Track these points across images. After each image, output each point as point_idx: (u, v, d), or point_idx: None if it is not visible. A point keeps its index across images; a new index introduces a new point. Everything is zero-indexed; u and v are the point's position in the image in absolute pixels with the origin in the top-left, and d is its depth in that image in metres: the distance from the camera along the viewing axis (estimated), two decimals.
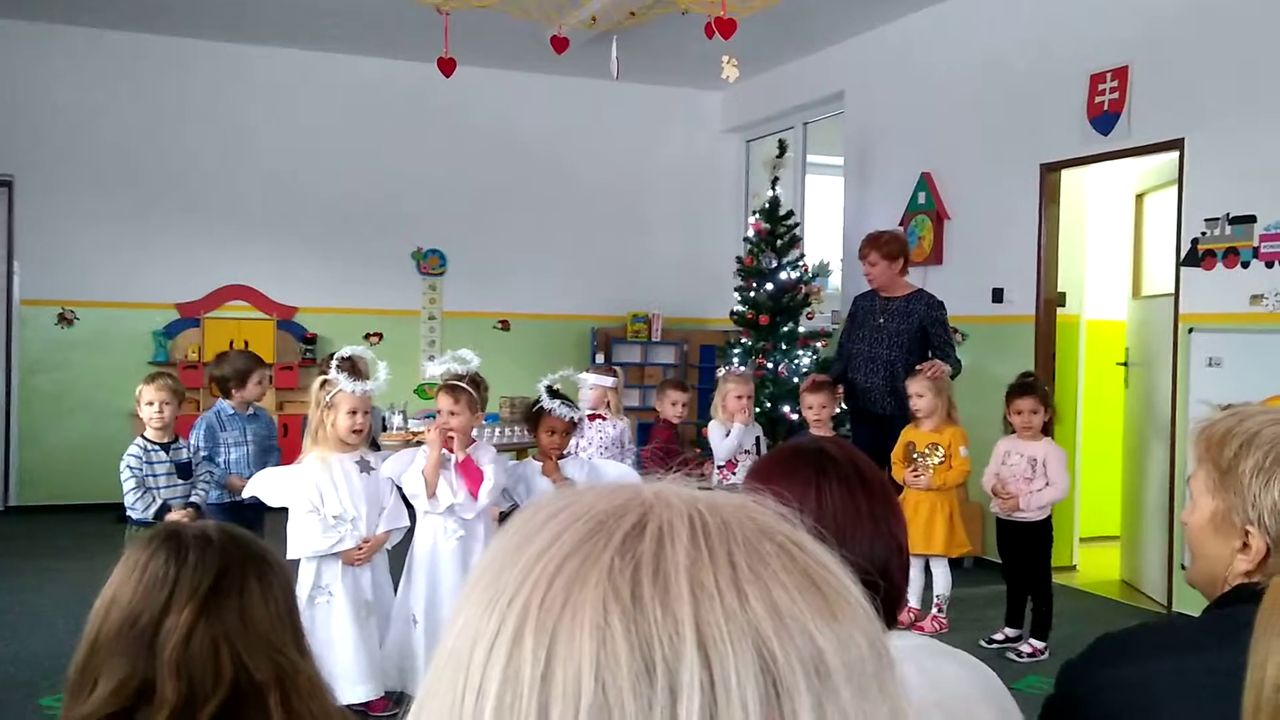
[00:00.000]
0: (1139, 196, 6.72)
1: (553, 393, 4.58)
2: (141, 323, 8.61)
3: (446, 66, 6.17)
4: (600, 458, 5.60)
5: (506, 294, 9.59)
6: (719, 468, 5.85)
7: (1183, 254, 5.72)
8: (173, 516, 4.39)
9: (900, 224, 7.54)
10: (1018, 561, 5.32)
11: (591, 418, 5.90)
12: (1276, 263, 5.26)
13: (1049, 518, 5.27)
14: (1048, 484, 5.17)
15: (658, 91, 9.92)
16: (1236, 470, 1.45)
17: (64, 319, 8.50)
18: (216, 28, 8.39)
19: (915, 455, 5.48)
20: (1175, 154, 5.79)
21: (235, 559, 1.50)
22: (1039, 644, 5.18)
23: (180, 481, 4.65)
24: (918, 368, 5.68)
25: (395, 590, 4.42)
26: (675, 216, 10.12)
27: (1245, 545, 1.45)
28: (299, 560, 4.13)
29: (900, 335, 6.04)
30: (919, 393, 5.52)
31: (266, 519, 4.91)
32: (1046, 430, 5.28)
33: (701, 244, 10.04)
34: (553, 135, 9.66)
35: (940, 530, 5.39)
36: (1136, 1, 6.02)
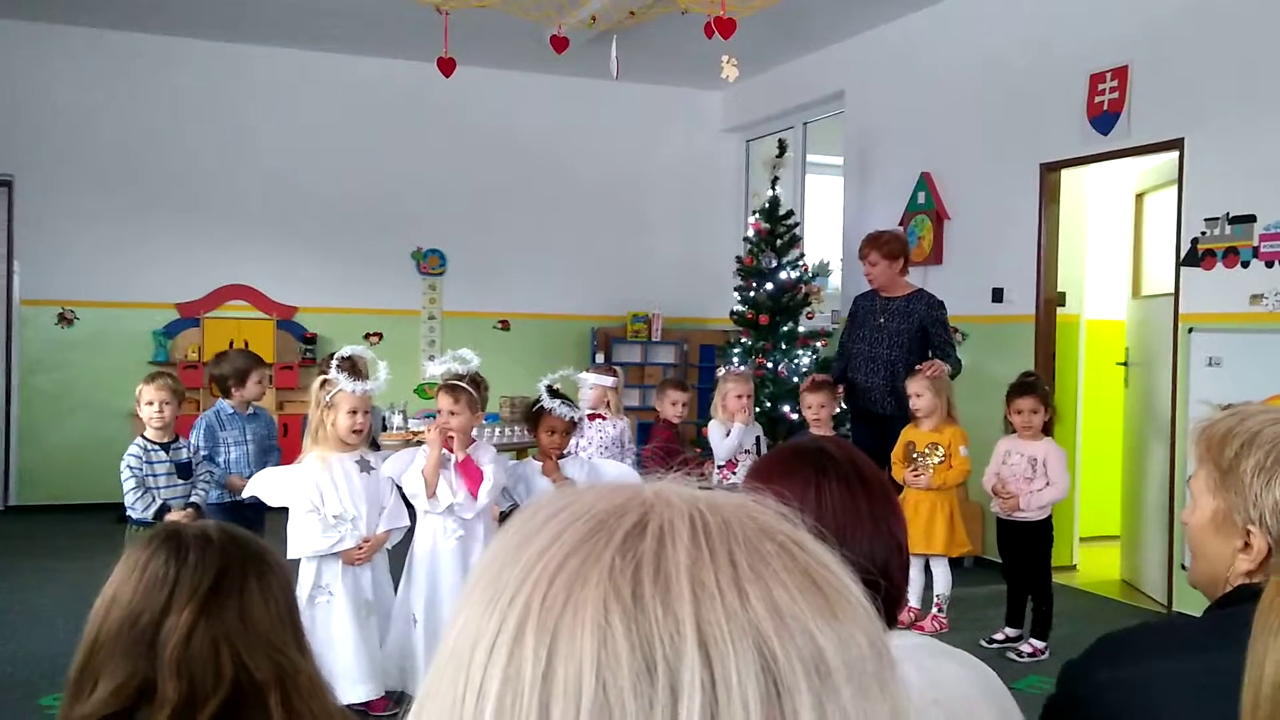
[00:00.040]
0: (1139, 196, 6.72)
1: (553, 392, 4.58)
2: (141, 322, 8.61)
3: (446, 66, 6.17)
4: (600, 457, 5.60)
5: (506, 294, 9.59)
6: (719, 467, 5.85)
7: (1183, 254, 5.72)
8: (172, 517, 4.39)
9: (900, 224, 7.54)
10: (1018, 561, 5.32)
11: (591, 417, 5.90)
12: (1276, 262, 5.26)
13: (1049, 517, 5.27)
14: (1048, 484, 5.17)
15: (657, 91, 9.92)
16: (1238, 470, 1.44)
17: (64, 319, 8.50)
18: (216, 27, 8.39)
19: (915, 455, 5.48)
20: (1175, 154, 5.79)
21: (235, 559, 1.50)
22: (1039, 644, 5.18)
23: (180, 481, 4.65)
24: (917, 367, 5.68)
25: (395, 590, 4.42)
26: (675, 216, 10.12)
27: (1247, 545, 1.45)
28: (299, 560, 4.13)
29: (900, 335, 6.04)
30: (918, 392, 5.52)
31: (267, 519, 4.91)
32: (1047, 430, 5.28)
33: (701, 244, 10.04)
34: (552, 135, 9.66)
35: (940, 530, 5.39)
36: (1136, 1, 6.02)
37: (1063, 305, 6.88)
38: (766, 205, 7.95)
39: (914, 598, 5.48)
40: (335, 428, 4.19)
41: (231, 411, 5.17)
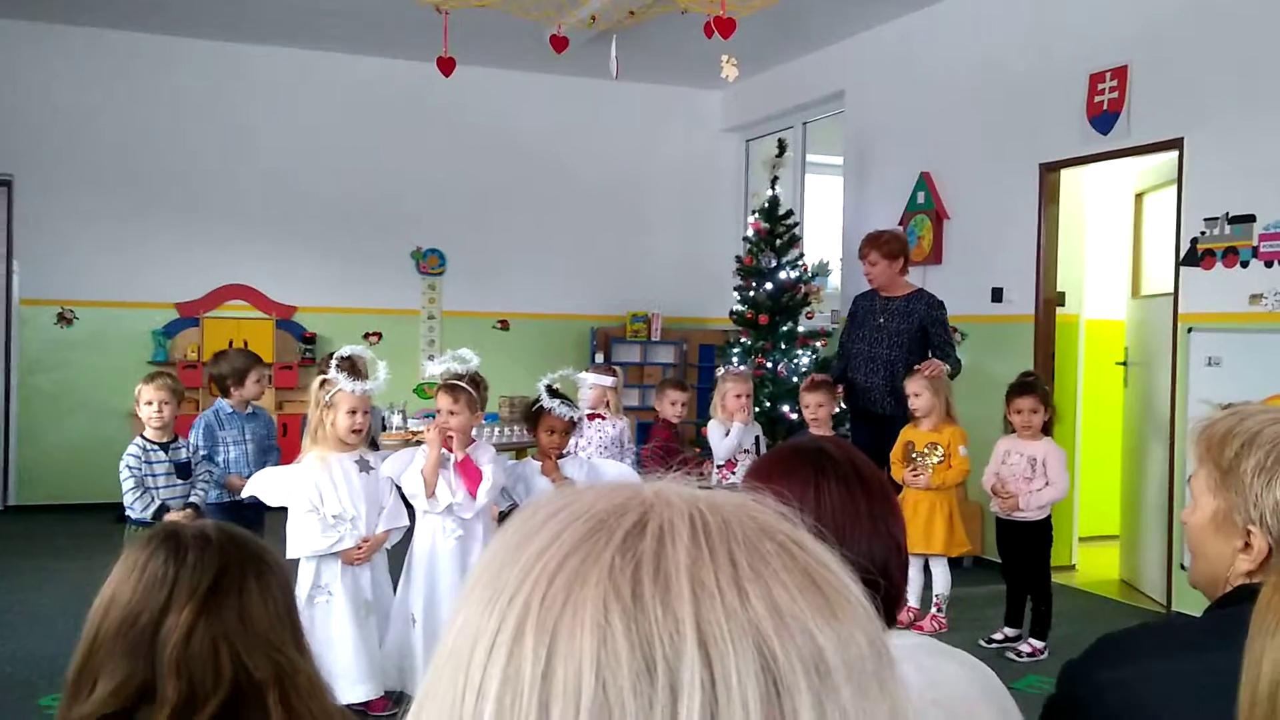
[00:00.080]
0: (1138, 196, 6.72)
1: (552, 392, 4.58)
2: (141, 322, 8.61)
3: (446, 66, 6.17)
4: (599, 457, 5.60)
5: (506, 293, 9.59)
6: (718, 467, 5.85)
7: (1182, 253, 5.72)
8: (171, 517, 4.39)
9: (900, 223, 7.54)
10: (1017, 561, 5.32)
11: (591, 417, 5.90)
12: (1276, 262, 5.26)
13: (1048, 517, 5.27)
14: (1047, 483, 5.17)
15: (657, 91, 9.92)
16: (1238, 470, 1.44)
17: (63, 318, 8.49)
18: (215, 27, 8.39)
19: (914, 455, 5.48)
20: (1174, 153, 5.79)
21: (234, 558, 1.50)
22: (1038, 643, 5.18)
23: (179, 481, 4.65)
24: (916, 367, 5.69)
25: (395, 590, 4.42)
26: (675, 216, 10.12)
27: (1247, 545, 1.45)
28: (298, 560, 4.13)
29: (900, 335, 6.04)
30: (916, 392, 5.52)
31: (266, 518, 4.91)
32: (1046, 430, 5.28)
33: (701, 243, 10.04)
34: (552, 135, 9.66)
35: (939, 530, 5.39)
36: (1136, 1, 6.02)
37: (1062, 305, 6.88)
38: (766, 205, 7.95)
39: (913, 597, 5.48)
40: (334, 427, 4.19)
41: (230, 411, 5.17)
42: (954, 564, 5.66)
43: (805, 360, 7.62)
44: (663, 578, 0.54)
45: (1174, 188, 5.82)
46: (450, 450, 4.30)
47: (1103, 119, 6.15)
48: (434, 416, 4.62)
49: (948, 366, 5.75)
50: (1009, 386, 5.35)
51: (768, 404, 7.43)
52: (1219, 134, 5.53)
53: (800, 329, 7.80)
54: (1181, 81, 5.72)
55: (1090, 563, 7.02)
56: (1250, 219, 5.38)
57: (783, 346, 7.70)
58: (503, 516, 4.50)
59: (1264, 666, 1.02)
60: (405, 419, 6.86)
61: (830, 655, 0.53)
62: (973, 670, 1.48)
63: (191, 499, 4.64)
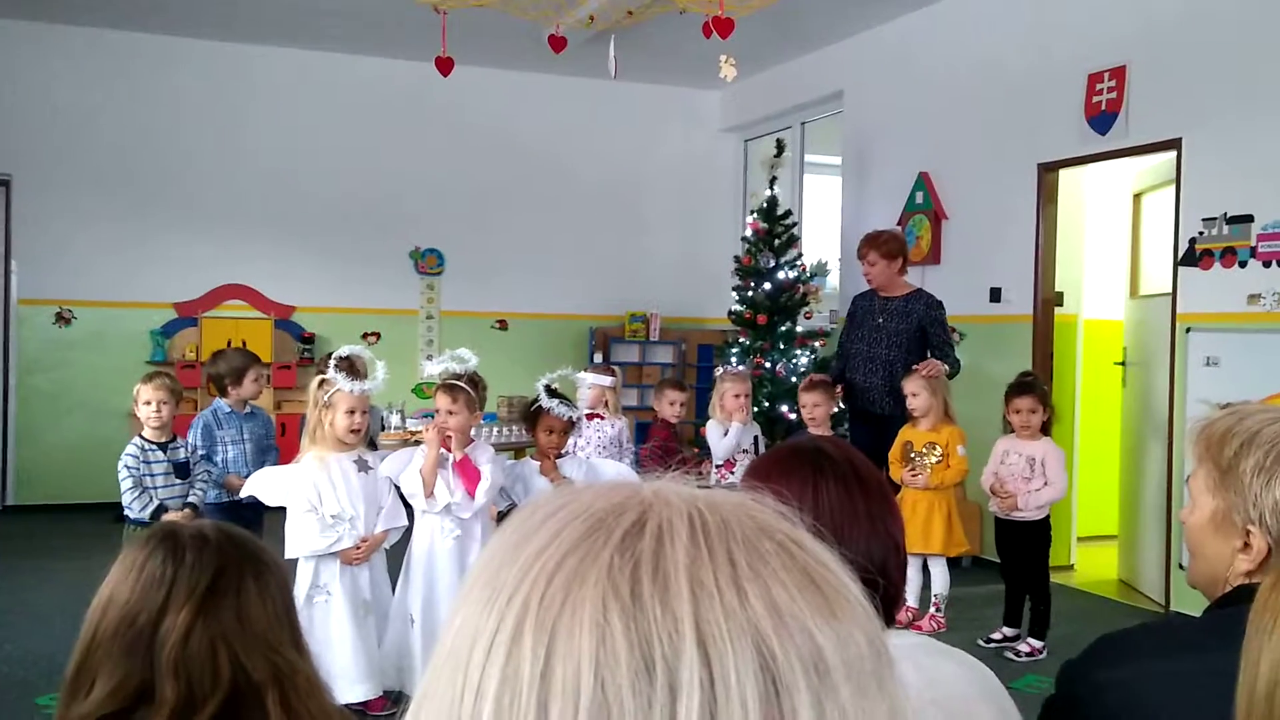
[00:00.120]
0: (1137, 196, 6.72)
1: (551, 392, 4.58)
2: (139, 322, 8.61)
3: (444, 66, 6.17)
4: (598, 457, 5.60)
5: (504, 293, 9.58)
6: (717, 467, 5.85)
7: (1180, 253, 5.73)
8: (170, 517, 4.39)
9: (898, 223, 7.54)
10: (1016, 561, 5.32)
11: (589, 417, 5.90)
12: (1274, 262, 5.27)
13: (1047, 517, 5.27)
14: (1046, 483, 5.17)
15: (656, 91, 9.92)
16: (1237, 469, 1.44)
17: (61, 318, 8.49)
18: (214, 27, 8.39)
19: (913, 455, 5.48)
20: (1173, 153, 5.80)
21: (232, 559, 1.49)
22: (1037, 643, 5.18)
23: (178, 481, 4.64)
24: (914, 367, 5.69)
25: (393, 589, 4.42)
26: (673, 216, 10.12)
27: (1246, 545, 1.44)
28: (297, 559, 4.13)
29: (899, 335, 6.04)
30: (914, 392, 5.52)
31: (265, 518, 4.91)
32: (1045, 430, 5.28)
33: (699, 243, 10.04)
34: (551, 134, 9.65)
35: (938, 529, 5.39)
36: (1134, 1, 6.02)
37: (1060, 305, 6.89)
38: (765, 205, 7.95)
39: (912, 597, 5.48)
40: (333, 427, 4.19)
41: (228, 410, 5.17)
42: (953, 564, 5.66)
43: (804, 360, 7.62)
44: (661, 577, 0.53)
45: (1172, 188, 5.82)
46: (449, 450, 4.30)
47: (1101, 119, 6.15)
48: (432, 416, 4.62)
49: (946, 366, 5.75)
50: (1008, 386, 5.35)
51: (766, 404, 7.43)
52: (1217, 134, 5.53)
53: (799, 329, 7.80)
54: (1180, 82, 5.73)
55: (1089, 562, 7.02)
56: (1248, 219, 5.38)
57: (781, 346, 7.70)
58: (501, 516, 4.49)
59: (1261, 667, 1.02)
60: (404, 419, 6.85)
61: (829, 654, 0.53)
62: (971, 670, 1.48)
63: (190, 499, 4.64)
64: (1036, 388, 5.31)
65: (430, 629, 4.19)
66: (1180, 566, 5.47)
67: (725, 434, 5.84)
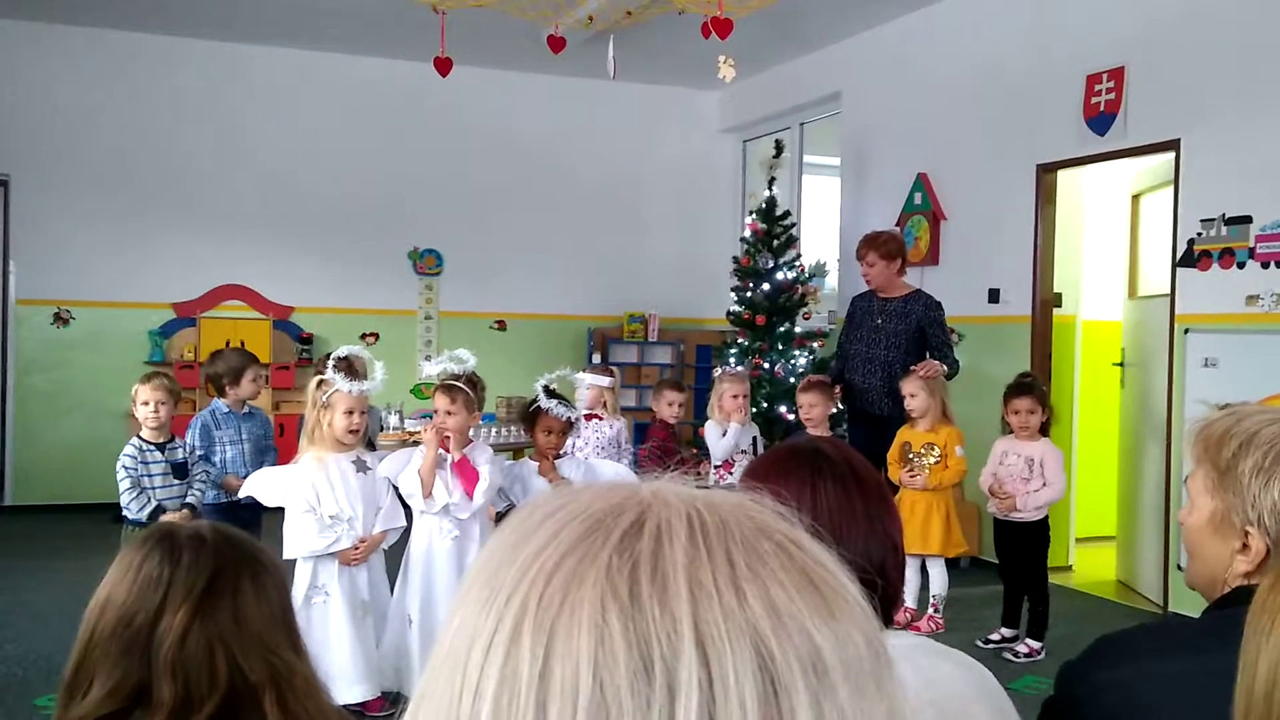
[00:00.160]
0: (1135, 197, 6.72)
1: (549, 392, 4.58)
2: (137, 322, 8.60)
3: (443, 66, 6.17)
4: (597, 458, 5.60)
5: (503, 294, 9.58)
6: (715, 467, 5.85)
7: (1178, 254, 5.73)
8: (168, 518, 4.38)
9: (897, 224, 7.54)
10: (1014, 561, 5.32)
11: (588, 417, 5.90)
12: (1272, 263, 5.27)
13: (1046, 518, 5.27)
14: (1045, 484, 5.17)
15: (654, 91, 9.92)
16: (1236, 470, 1.44)
17: (60, 318, 8.48)
18: (214, 27, 8.39)
19: (911, 455, 5.48)
20: (1171, 154, 5.80)
21: (229, 559, 1.49)
22: (1035, 644, 5.18)
23: (176, 481, 4.64)
24: (912, 367, 5.69)
25: (392, 590, 4.42)
26: (672, 216, 10.12)
27: (1245, 546, 1.44)
28: (295, 560, 4.13)
29: (898, 336, 6.04)
30: (912, 392, 5.52)
31: (263, 519, 4.91)
32: (1044, 430, 5.28)
33: (698, 244, 10.04)
34: (549, 135, 9.65)
35: (937, 530, 5.39)
36: (1133, 2, 6.03)
37: (1059, 306, 6.89)
38: (763, 206, 7.95)
39: (910, 598, 5.48)
40: (332, 428, 4.19)
41: (227, 410, 5.17)
42: (951, 564, 5.66)
43: (802, 361, 7.62)
44: (660, 577, 0.53)
45: (1171, 189, 5.83)
46: (447, 450, 4.30)
47: (1100, 120, 6.16)
48: (431, 417, 4.61)
49: (944, 367, 5.75)
50: (1006, 387, 5.35)
51: (765, 404, 7.43)
52: (1216, 135, 5.54)
53: (797, 330, 7.80)
54: (1178, 83, 5.73)
55: (1087, 563, 7.02)
56: (1247, 220, 5.39)
57: (780, 347, 7.70)
58: (500, 517, 4.49)
59: (1260, 668, 1.02)
60: (402, 419, 6.86)
61: (828, 655, 0.53)
62: (969, 670, 1.48)
63: (188, 499, 4.63)
64: (1035, 388, 5.31)
65: (428, 629, 4.19)
66: (1178, 567, 5.47)
67: (724, 435, 5.84)
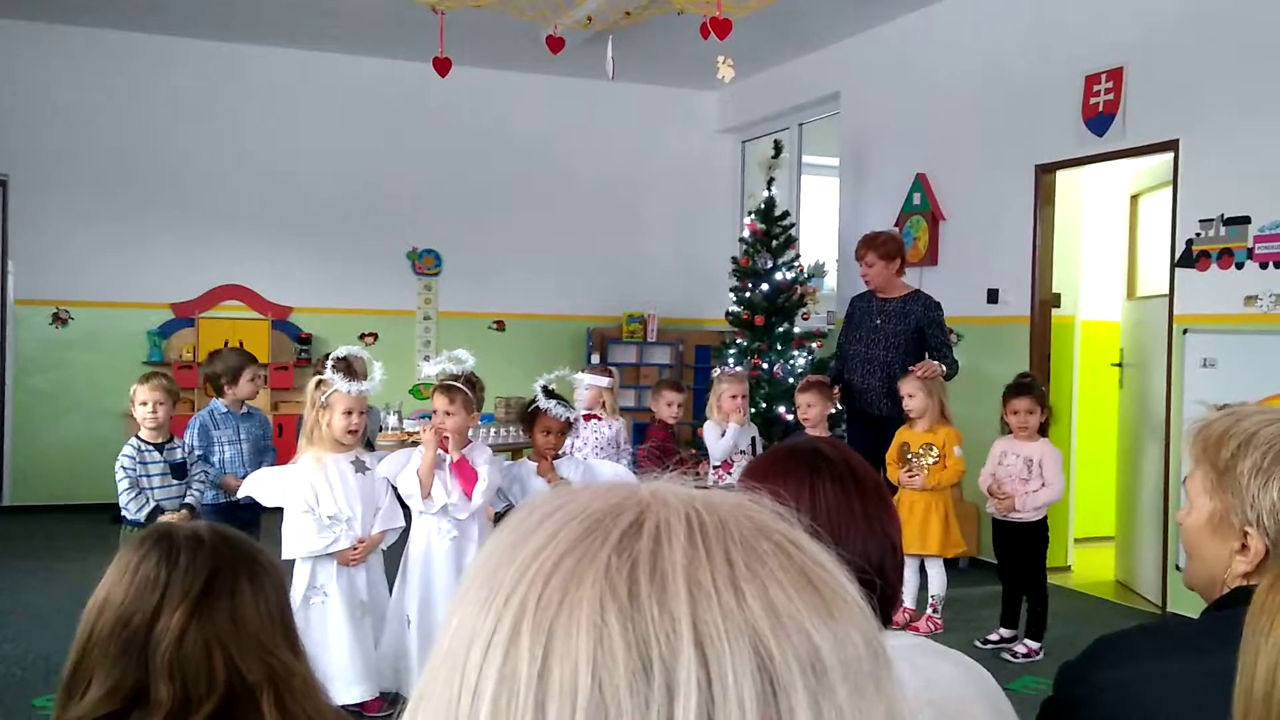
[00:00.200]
0: (1134, 197, 6.72)
1: (548, 393, 4.58)
2: (136, 322, 8.60)
3: (441, 66, 6.16)
4: (596, 458, 5.60)
5: (502, 294, 9.58)
6: (714, 468, 5.85)
7: (1177, 255, 5.73)
8: (167, 518, 4.37)
9: (895, 225, 7.54)
10: (1013, 562, 5.32)
11: (587, 418, 5.90)
12: (1271, 264, 5.27)
13: (1044, 518, 5.27)
14: (1044, 484, 5.17)
15: (653, 92, 9.92)
16: (1234, 471, 1.44)
17: (58, 319, 8.48)
18: (213, 27, 8.39)
19: (910, 455, 5.49)
20: (1170, 155, 5.80)
21: (227, 560, 1.49)
22: (1034, 644, 5.18)
23: (175, 482, 4.63)
24: (910, 368, 5.69)
25: (390, 591, 4.41)
26: (671, 217, 10.12)
27: (1244, 546, 1.44)
28: (294, 560, 4.12)
29: (897, 336, 6.04)
30: (910, 393, 5.52)
31: (262, 519, 4.91)
32: (1043, 431, 5.28)
33: (697, 244, 10.04)
34: (548, 135, 9.65)
35: (935, 530, 5.39)
36: (1132, 3, 6.03)
37: (1058, 306, 6.89)
38: (762, 206, 7.95)
39: (909, 598, 5.48)
40: (330, 428, 4.19)
41: (225, 411, 5.17)
42: (950, 565, 5.67)
43: (801, 361, 7.62)
44: (659, 577, 0.53)
45: (1169, 189, 5.83)
46: (446, 451, 4.30)
47: (1098, 120, 6.16)
48: (430, 417, 4.61)
49: (943, 367, 5.75)
50: (1005, 387, 5.36)
51: (763, 405, 7.44)
52: (1214, 136, 5.54)
53: (796, 330, 7.80)
54: (1177, 83, 5.73)
55: (1086, 564, 7.02)
56: (1245, 220, 5.39)
57: (778, 347, 7.70)
58: (498, 517, 4.49)
59: (1259, 668, 1.01)
60: (401, 420, 6.86)
61: (827, 655, 0.53)
62: (968, 671, 1.48)
63: (187, 500, 4.63)
64: (1034, 389, 5.31)
65: (427, 630, 4.18)
66: (1177, 568, 5.47)
67: (722, 435, 5.84)
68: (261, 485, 4.32)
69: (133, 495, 4.47)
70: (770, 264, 7.83)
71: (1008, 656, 5.15)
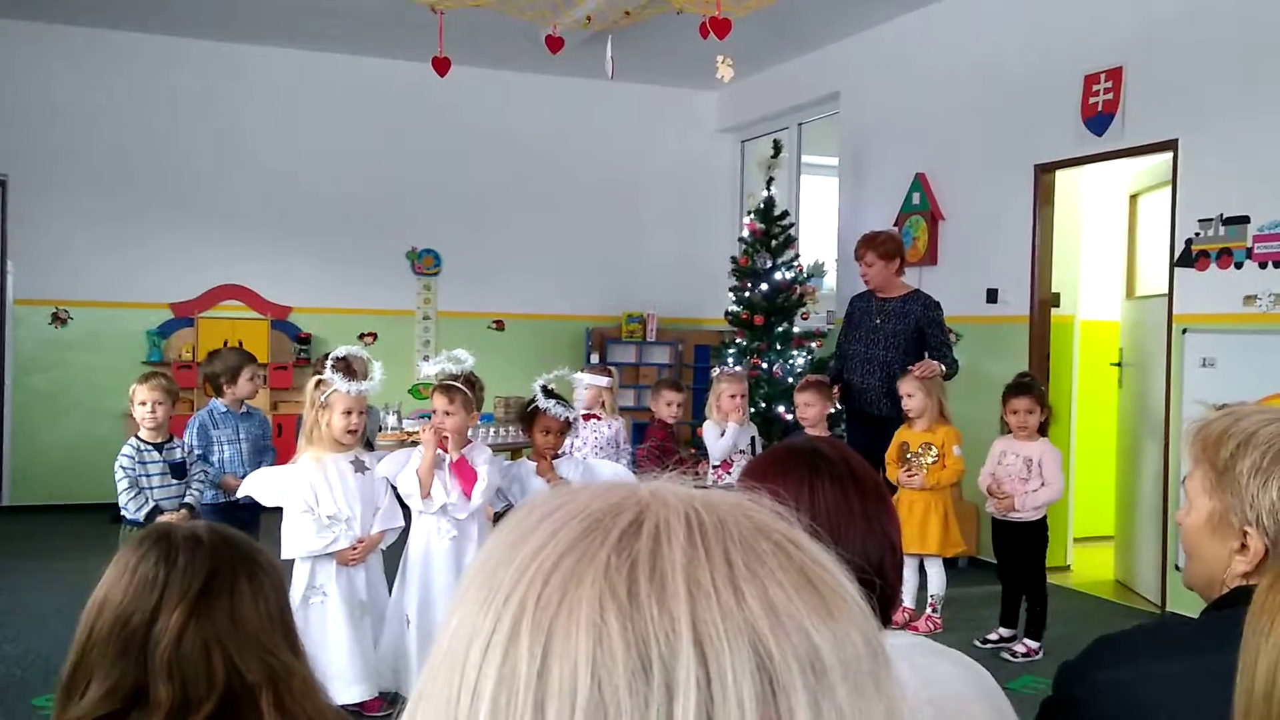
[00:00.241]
0: (1133, 197, 6.73)
1: (548, 392, 4.58)
2: (136, 322, 8.60)
3: (441, 66, 6.16)
4: (595, 458, 5.60)
5: (501, 294, 9.58)
6: (714, 467, 5.84)
7: (1176, 254, 5.73)
8: (166, 518, 4.37)
9: (895, 224, 7.54)
10: (1013, 561, 5.32)
11: (586, 418, 5.90)
12: (1270, 263, 5.27)
13: (1044, 518, 5.27)
14: (1043, 484, 5.17)
15: (653, 91, 9.92)
16: (1234, 470, 1.44)
17: (58, 318, 8.48)
18: (213, 27, 8.38)
19: (909, 455, 5.49)
20: (1169, 155, 5.80)
21: (225, 560, 1.49)
22: (1033, 644, 5.18)
23: (174, 481, 4.63)
24: (909, 367, 5.69)
25: (390, 590, 4.41)
26: (670, 216, 10.12)
27: (1243, 546, 1.44)
28: (293, 560, 4.12)
29: (897, 336, 6.04)
30: (909, 393, 5.52)
31: (262, 519, 4.91)
32: (1042, 430, 5.28)
33: (696, 244, 10.04)
34: (548, 135, 9.65)
35: (935, 530, 5.39)
36: (1131, 3, 6.03)
37: (1057, 306, 6.89)
38: (761, 206, 7.95)
39: (908, 598, 5.48)
40: (330, 428, 4.19)
41: (225, 410, 5.17)
42: (949, 564, 5.67)
43: (800, 361, 7.62)
44: (658, 577, 0.53)
45: (1168, 189, 5.83)
46: (445, 451, 4.30)
47: (1097, 120, 6.16)
48: (429, 417, 4.61)
49: (942, 367, 5.75)
50: (1005, 387, 5.36)
51: (763, 405, 7.44)
52: (1214, 135, 5.54)
53: (795, 330, 7.80)
54: (1176, 83, 5.73)
55: (1085, 563, 7.02)
56: (1244, 220, 5.39)
57: (778, 347, 7.70)
58: (498, 517, 4.49)
59: (1259, 668, 1.01)
60: (400, 420, 6.86)
61: (826, 654, 0.53)
62: (967, 670, 1.48)
63: (186, 499, 4.62)
64: (1034, 388, 5.31)
65: (426, 630, 4.18)
66: (1177, 568, 5.47)
67: (722, 434, 5.84)
68: (261, 485, 4.32)
69: (132, 495, 4.47)
70: (769, 264, 7.83)
71: (1007, 656, 5.15)
